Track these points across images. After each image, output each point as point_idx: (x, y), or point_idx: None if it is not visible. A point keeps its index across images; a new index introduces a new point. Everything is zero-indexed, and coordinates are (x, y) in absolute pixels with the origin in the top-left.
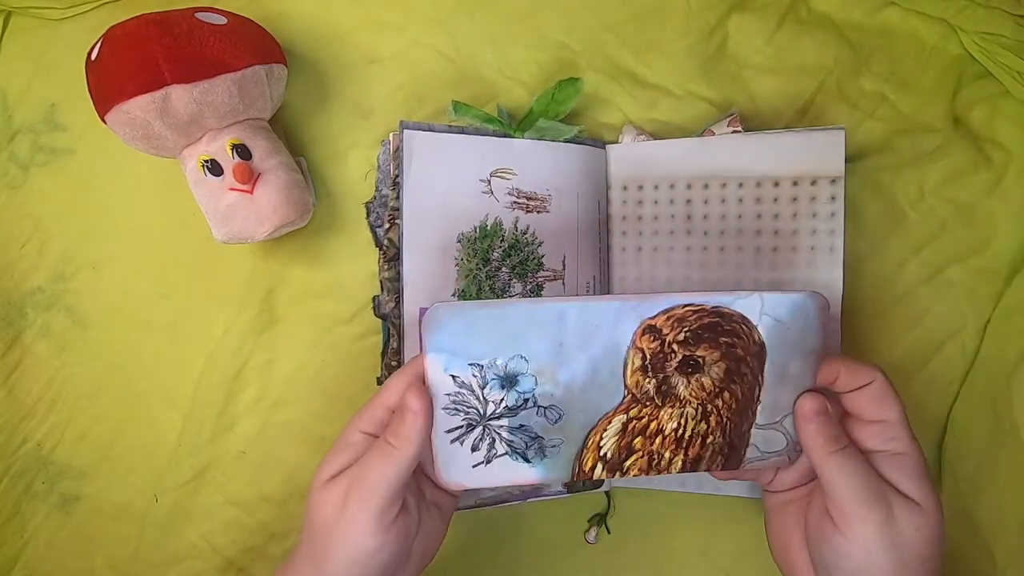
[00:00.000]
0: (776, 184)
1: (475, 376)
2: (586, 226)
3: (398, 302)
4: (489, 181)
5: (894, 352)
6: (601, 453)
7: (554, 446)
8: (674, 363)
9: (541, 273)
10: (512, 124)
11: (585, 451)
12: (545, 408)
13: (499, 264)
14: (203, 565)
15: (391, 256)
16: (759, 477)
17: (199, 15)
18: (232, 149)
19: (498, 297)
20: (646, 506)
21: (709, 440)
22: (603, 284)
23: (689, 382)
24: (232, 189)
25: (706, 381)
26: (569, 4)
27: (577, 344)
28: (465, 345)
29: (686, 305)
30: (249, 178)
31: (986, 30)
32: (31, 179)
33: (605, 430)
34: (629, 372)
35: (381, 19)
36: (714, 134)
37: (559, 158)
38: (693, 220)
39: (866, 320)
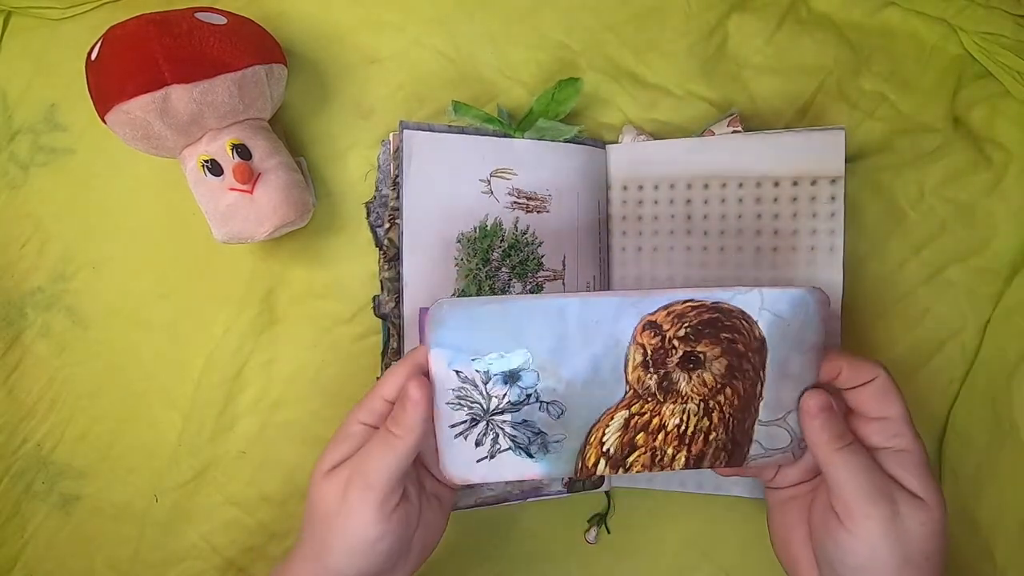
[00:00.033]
0: (776, 184)
1: (478, 371)
2: (586, 226)
3: (398, 302)
4: (489, 181)
5: (894, 352)
6: (604, 449)
7: (557, 441)
8: (675, 359)
9: (541, 273)
10: (512, 124)
11: (588, 447)
12: (548, 403)
13: (499, 264)
14: (203, 565)
15: (391, 256)
16: (761, 473)
17: (199, 15)
18: (232, 149)
19: None
20: (646, 506)
21: (712, 437)
22: (603, 284)
23: (691, 378)
24: (232, 189)
25: (707, 377)
26: (569, 4)
27: (578, 340)
28: (468, 341)
29: (686, 301)
30: (249, 178)
31: (986, 30)
32: (31, 179)
33: (608, 426)
34: (630, 368)
35: (381, 19)
36: (714, 134)
37: (559, 158)
38: (693, 220)
39: (866, 320)
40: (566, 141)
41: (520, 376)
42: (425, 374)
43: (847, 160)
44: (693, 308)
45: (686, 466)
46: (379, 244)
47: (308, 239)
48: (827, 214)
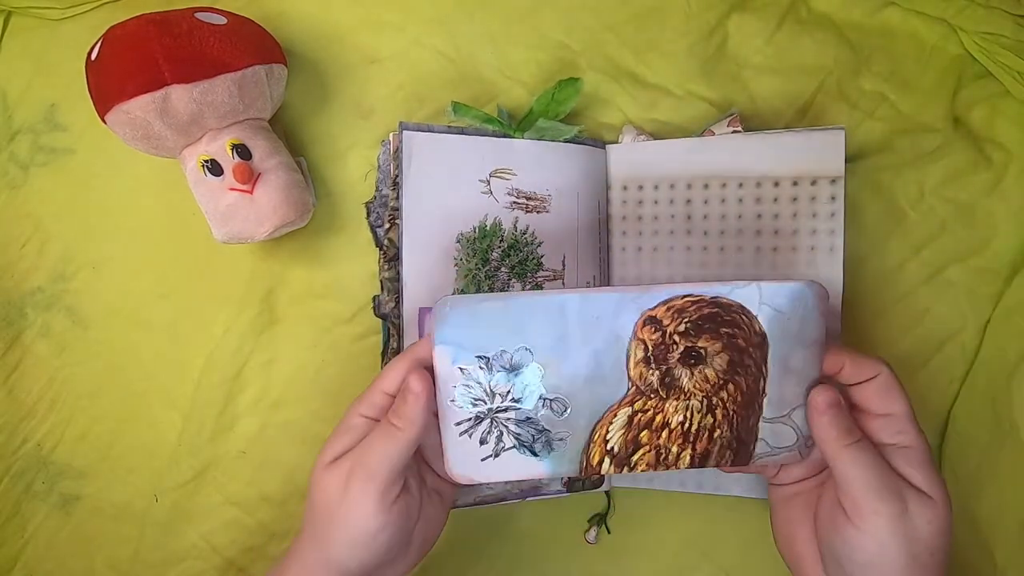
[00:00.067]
0: (776, 184)
1: (482, 368)
2: (586, 226)
3: (398, 302)
4: (489, 181)
5: (894, 351)
6: (608, 447)
7: (561, 439)
8: (676, 354)
9: (541, 273)
10: (512, 124)
11: (592, 445)
12: (551, 400)
13: (498, 264)
14: (203, 565)
15: (391, 256)
16: (764, 470)
17: (199, 15)
18: (232, 149)
19: None
20: (646, 506)
21: (716, 434)
22: (603, 284)
23: (692, 374)
24: (232, 189)
25: (709, 373)
26: (569, 4)
27: (579, 336)
28: (471, 338)
29: (685, 296)
30: (249, 178)
31: (986, 30)
32: (31, 179)
33: (611, 423)
34: (632, 364)
35: (381, 19)
36: (714, 134)
37: (559, 158)
38: (693, 220)
39: (866, 320)
40: (566, 141)
41: (522, 372)
42: (426, 368)
43: (847, 160)
44: (692, 303)
45: (691, 464)
46: (379, 244)
47: (308, 239)
48: (827, 214)
